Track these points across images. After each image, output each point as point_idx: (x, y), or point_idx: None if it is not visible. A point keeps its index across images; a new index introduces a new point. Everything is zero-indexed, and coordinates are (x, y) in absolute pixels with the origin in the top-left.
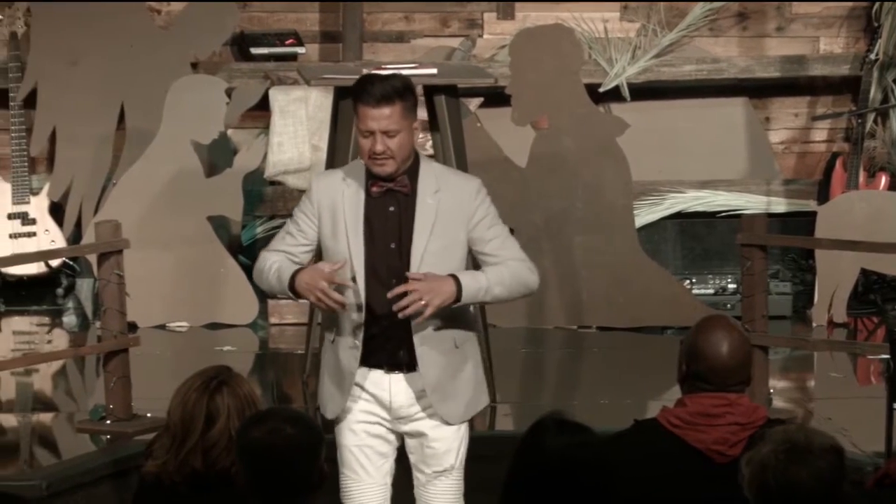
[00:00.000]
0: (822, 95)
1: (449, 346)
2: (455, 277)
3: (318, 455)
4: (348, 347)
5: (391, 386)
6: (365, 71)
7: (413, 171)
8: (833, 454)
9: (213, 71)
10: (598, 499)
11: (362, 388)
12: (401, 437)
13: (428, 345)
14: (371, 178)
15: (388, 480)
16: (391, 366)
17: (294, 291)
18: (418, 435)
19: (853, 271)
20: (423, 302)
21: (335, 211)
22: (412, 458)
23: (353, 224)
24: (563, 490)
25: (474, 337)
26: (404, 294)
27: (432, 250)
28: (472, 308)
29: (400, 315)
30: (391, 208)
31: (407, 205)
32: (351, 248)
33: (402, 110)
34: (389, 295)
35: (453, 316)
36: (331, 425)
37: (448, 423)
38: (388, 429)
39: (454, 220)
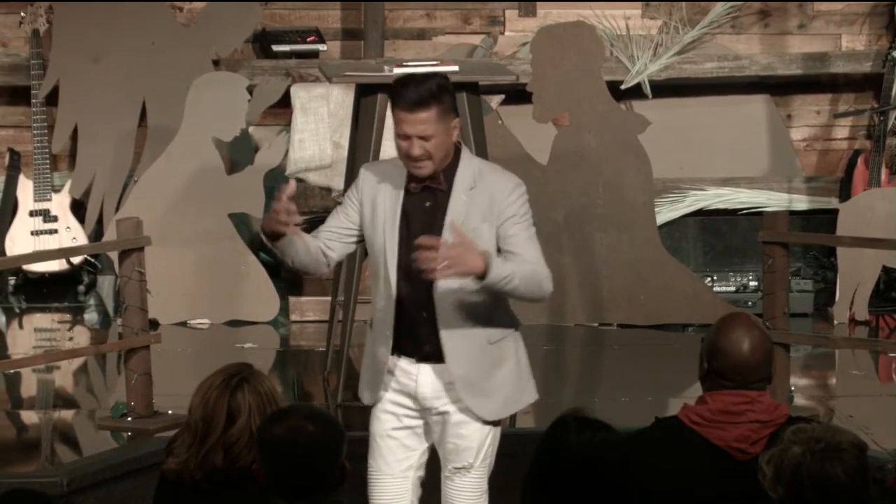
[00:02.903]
0: (844, 93)
1: (481, 342)
2: (486, 255)
3: (340, 452)
4: (383, 336)
5: (419, 376)
6: (387, 68)
7: (452, 167)
8: (859, 450)
9: (234, 68)
10: (618, 496)
11: (393, 376)
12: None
13: (456, 340)
14: (410, 176)
15: (412, 475)
16: (421, 356)
17: (266, 234)
18: (443, 429)
19: (875, 269)
20: (443, 266)
21: (375, 202)
22: (440, 452)
23: (390, 217)
24: (584, 487)
25: (514, 335)
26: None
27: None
28: (511, 306)
29: (415, 265)
30: (427, 203)
31: (442, 200)
32: (386, 241)
33: (437, 114)
34: (416, 242)
35: (486, 314)
36: (353, 421)
37: (479, 419)
38: (417, 421)
39: (484, 217)
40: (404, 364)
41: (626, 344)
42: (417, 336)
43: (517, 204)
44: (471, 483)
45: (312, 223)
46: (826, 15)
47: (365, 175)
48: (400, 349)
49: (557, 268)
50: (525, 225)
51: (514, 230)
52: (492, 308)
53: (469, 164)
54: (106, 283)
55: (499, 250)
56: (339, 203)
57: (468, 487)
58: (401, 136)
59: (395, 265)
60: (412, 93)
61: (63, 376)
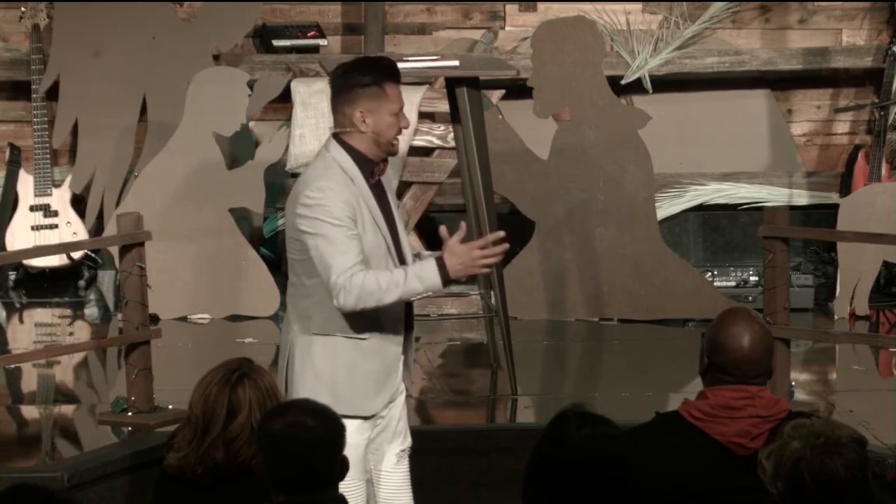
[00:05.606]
0: (845, 87)
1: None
2: None
3: (340, 447)
4: (391, 337)
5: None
6: None
7: None
8: (859, 445)
9: (235, 63)
10: (619, 491)
11: None
12: None
13: (412, 321)
14: (373, 166)
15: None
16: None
17: (448, 281)
18: (393, 414)
19: (875, 263)
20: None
21: (358, 206)
22: (379, 441)
23: (378, 218)
24: (584, 482)
25: None
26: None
27: (401, 226)
28: None
29: (491, 261)
30: (381, 195)
31: (380, 188)
32: (386, 239)
33: None
34: (496, 239)
35: None
36: None
37: (408, 395)
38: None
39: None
40: None
41: (626, 339)
42: (407, 326)
43: None
44: (408, 463)
45: None
46: (826, 10)
47: (337, 189)
48: None
49: (558, 263)
50: None
51: None
52: None
53: None
54: (106, 278)
55: None
56: (327, 234)
57: (408, 467)
58: (395, 112)
59: (397, 261)
60: (397, 68)
61: (63, 371)
